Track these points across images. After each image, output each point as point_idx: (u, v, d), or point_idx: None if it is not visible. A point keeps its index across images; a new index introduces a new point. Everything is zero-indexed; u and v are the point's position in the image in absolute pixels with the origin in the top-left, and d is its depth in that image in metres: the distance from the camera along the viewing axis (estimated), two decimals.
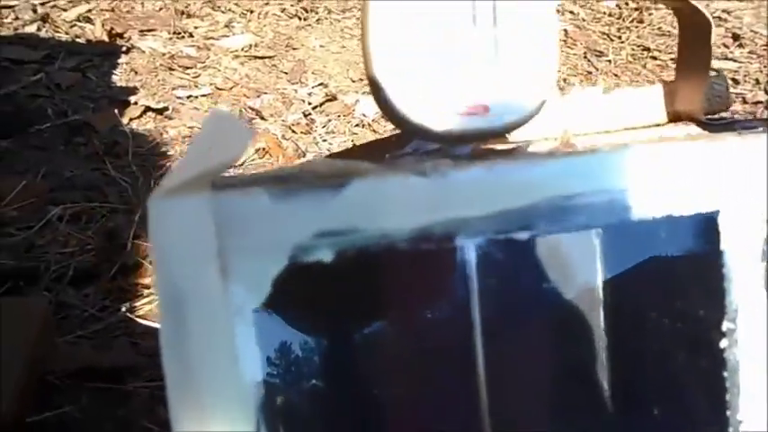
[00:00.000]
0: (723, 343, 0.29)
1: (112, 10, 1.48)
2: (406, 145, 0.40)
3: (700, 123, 0.43)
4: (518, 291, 0.30)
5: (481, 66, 0.30)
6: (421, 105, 0.28)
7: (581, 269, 0.33)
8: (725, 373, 0.29)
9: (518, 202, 0.26)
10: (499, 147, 0.33)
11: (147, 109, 1.18)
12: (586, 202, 0.27)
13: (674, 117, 0.45)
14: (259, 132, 1.16)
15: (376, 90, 0.28)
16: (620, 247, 0.33)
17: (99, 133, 1.12)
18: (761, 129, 0.38)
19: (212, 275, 0.23)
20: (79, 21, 1.42)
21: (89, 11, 1.46)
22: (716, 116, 0.44)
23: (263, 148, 1.11)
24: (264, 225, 0.24)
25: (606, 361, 0.35)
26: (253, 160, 1.09)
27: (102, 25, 1.41)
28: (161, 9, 1.52)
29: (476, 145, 0.31)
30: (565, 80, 1.41)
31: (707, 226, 0.29)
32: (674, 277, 0.32)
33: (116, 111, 1.16)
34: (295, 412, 0.28)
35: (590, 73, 1.50)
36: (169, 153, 1.09)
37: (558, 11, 0.30)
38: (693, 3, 0.40)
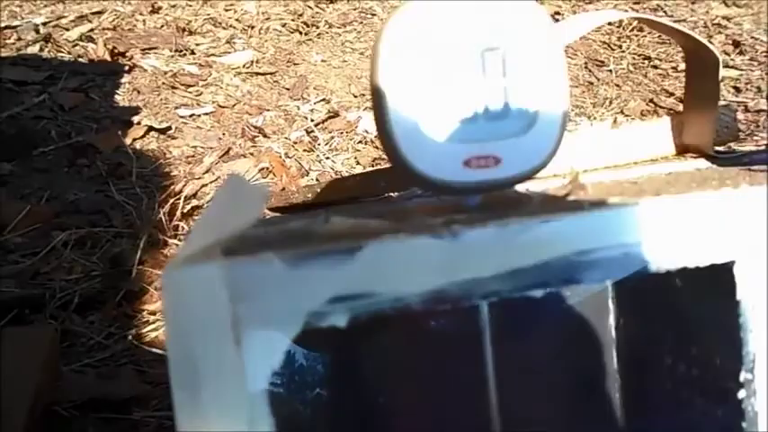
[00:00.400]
0: (741, 394, 0.29)
1: (114, 29, 1.48)
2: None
3: (708, 157, 0.43)
4: (532, 343, 0.30)
5: (492, 117, 0.30)
6: (433, 160, 0.28)
7: (595, 316, 0.33)
8: (744, 424, 0.29)
9: (531, 260, 0.26)
10: (509, 194, 0.32)
11: (150, 129, 1.18)
12: (600, 257, 0.27)
13: (683, 149, 0.45)
14: (262, 151, 1.16)
15: (389, 148, 0.28)
16: (635, 294, 0.33)
17: (102, 154, 1.12)
18: None
19: (226, 345, 0.23)
20: (81, 40, 1.43)
21: (91, 30, 1.46)
22: (724, 148, 0.44)
23: (267, 168, 1.11)
24: (278, 292, 0.23)
25: (620, 403, 0.35)
26: (257, 180, 1.09)
27: (105, 44, 1.41)
28: (162, 26, 1.52)
29: (486, 193, 0.31)
30: None
31: (723, 276, 0.28)
32: (689, 324, 0.32)
33: (119, 131, 1.17)
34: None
35: (591, 83, 1.49)
36: (173, 174, 1.09)
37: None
38: (700, 39, 0.40)
